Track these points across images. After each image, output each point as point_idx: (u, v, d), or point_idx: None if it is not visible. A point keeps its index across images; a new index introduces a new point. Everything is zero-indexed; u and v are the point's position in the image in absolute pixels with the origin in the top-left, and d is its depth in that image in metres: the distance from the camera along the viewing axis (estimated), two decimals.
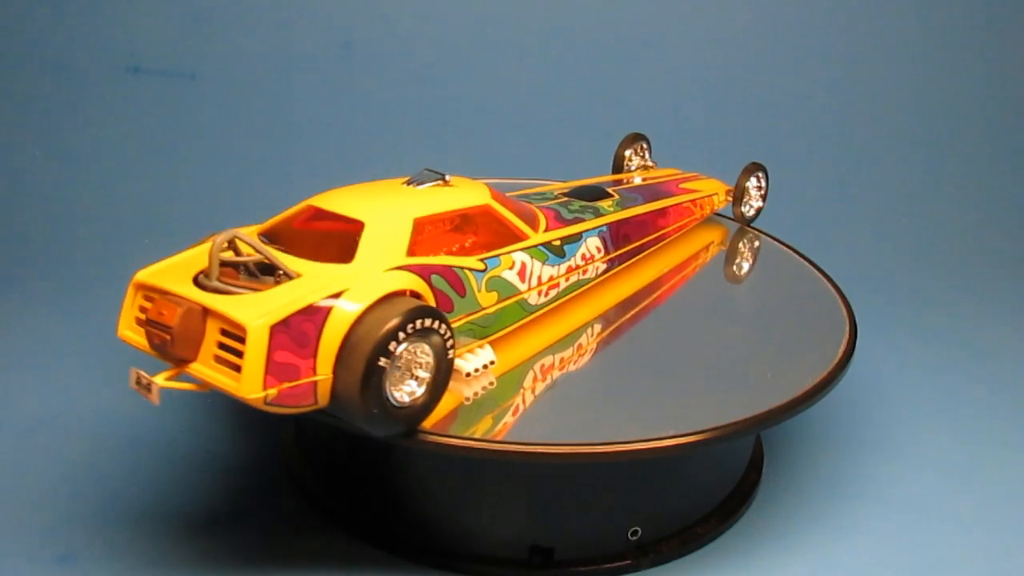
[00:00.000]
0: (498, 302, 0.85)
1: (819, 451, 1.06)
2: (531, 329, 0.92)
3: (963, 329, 1.34)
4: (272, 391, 0.69)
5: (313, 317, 0.70)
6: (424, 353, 0.74)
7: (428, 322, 0.73)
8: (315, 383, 0.71)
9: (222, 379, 0.70)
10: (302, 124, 1.74)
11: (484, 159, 1.69)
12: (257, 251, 0.76)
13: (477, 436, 0.77)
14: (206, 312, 0.71)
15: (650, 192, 1.13)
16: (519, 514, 0.86)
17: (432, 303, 0.78)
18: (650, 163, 1.30)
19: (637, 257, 1.06)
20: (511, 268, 0.86)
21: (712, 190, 1.22)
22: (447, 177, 0.88)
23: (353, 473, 0.92)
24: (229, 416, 1.07)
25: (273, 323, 0.68)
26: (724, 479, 0.96)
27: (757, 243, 1.20)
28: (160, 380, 0.72)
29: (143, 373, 0.73)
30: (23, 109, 1.69)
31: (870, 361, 1.21)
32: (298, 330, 0.69)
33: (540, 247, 0.90)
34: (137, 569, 0.86)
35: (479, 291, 0.83)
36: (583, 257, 0.95)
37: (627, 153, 1.28)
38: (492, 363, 0.85)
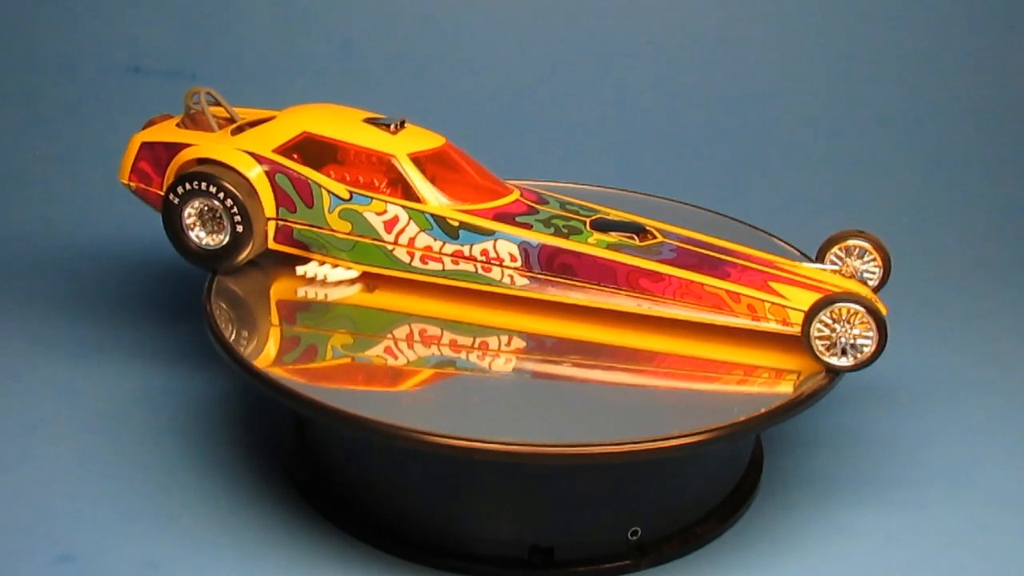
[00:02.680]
0: (351, 234, 0.97)
1: (819, 451, 1.06)
2: (447, 302, 0.96)
3: (964, 329, 1.34)
4: (133, 184, 1.05)
5: (170, 151, 1.02)
6: (223, 216, 0.96)
7: (213, 189, 0.95)
8: (162, 195, 1.00)
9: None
10: None
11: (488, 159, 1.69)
12: (201, 108, 1.07)
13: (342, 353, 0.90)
14: None
15: (697, 259, 0.95)
16: (519, 514, 0.86)
17: (266, 193, 0.97)
18: (850, 270, 1.01)
19: (606, 301, 0.94)
20: (379, 214, 0.96)
21: (801, 305, 0.90)
22: (393, 125, 1.01)
23: (353, 473, 0.92)
24: (229, 416, 1.07)
25: (142, 142, 1.04)
26: (724, 479, 0.96)
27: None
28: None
29: None
30: (23, 109, 1.69)
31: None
32: (157, 154, 1.03)
33: (428, 216, 0.96)
34: (136, 569, 0.86)
35: (329, 212, 0.97)
36: (483, 253, 0.95)
37: (839, 250, 1.01)
38: (325, 278, 0.97)
